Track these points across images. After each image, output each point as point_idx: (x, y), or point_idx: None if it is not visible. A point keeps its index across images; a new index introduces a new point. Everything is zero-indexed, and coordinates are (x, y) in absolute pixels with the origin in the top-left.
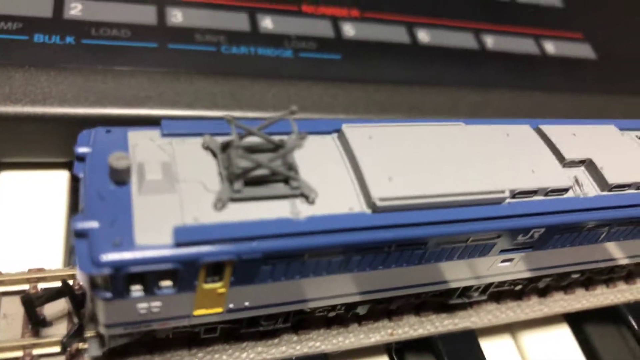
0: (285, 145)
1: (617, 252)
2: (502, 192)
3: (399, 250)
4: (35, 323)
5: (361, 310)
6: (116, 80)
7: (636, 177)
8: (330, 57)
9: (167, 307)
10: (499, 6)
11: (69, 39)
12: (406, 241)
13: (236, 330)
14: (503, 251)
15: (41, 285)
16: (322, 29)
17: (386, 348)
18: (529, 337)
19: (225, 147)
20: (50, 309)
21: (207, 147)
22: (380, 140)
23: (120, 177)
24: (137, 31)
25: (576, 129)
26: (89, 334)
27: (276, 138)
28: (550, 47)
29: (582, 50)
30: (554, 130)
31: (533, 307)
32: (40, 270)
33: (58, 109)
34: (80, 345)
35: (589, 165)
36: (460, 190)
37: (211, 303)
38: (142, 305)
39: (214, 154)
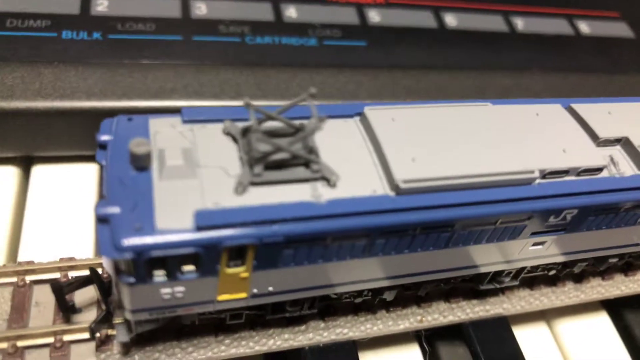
0: (305, 129)
1: None
2: (532, 172)
3: (425, 233)
4: (65, 310)
5: (388, 297)
6: (142, 73)
7: None
8: (355, 44)
9: (191, 292)
10: None
11: (96, 35)
12: (431, 224)
13: (262, 317)
14: (534, 234)
15: (72, 274)
16: (347, 16)
17: (416, 335)
18: (565, 325)
19: (246, 132)
20: (81, 297)
21: (227, 133)
22: (404, 122)
23: (141, 163)
24: (162, 24)
25: (611, 106)
26: (117, 320)
27: (297, 122)
28: (584, 27)
29: (619, 29)
30: (587, 109)
31: (569, 294)
32: (71, 259)
33: (86, 102)
34: (109, 331)
35: (625, 143)
36: (487, 170)
37: (235, 288)
38: (166, 290)
39: (235, 140)
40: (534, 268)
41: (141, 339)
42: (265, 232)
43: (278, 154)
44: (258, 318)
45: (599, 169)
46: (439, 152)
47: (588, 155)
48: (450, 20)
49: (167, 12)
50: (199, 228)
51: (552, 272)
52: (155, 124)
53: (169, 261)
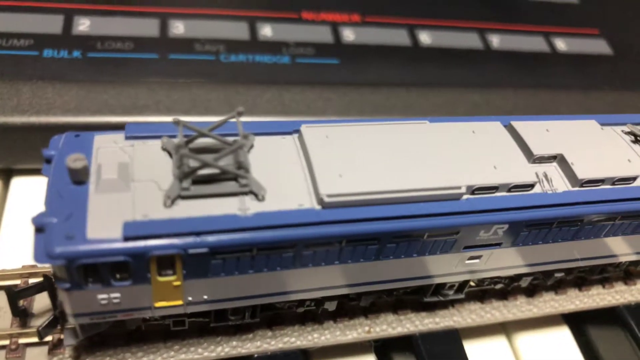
0: (233, 145)
1: (597, 249)
2: (459, 187)
3: (352, 246)
4: (17, 314)
5: (330, 307)
6: (117, 90)
7: (610, 172)
8: (328, 61)
9: (127, 299)
10: (509, 5)
11: (76, 53)
12: (355, 237)
13: (207, 324)
14: (467, 248)
15: (32, 280)
16: (321, 34)
17: (375, 346)
18: (525, 339)
19: (179, 148)
20: (42, 302)
21: (164, 149)
22: (337, 139)
23: (78, 177)
24: (140, 43)
25: (551, 124)
26: (68, 325)
27: (231, 139)
28: (561, 44)
29: (598, 46)
30: (525, 126)
31: (521, 308)
32: (33, 267)
33: (61, 118)
34: (61, 335)
35: (560, 160)
36: (414, 186)
37: (170, 296)
38: (102, 296)
39: (171, 155)
40: (481, 282)
41: (93, 344)
42: (190, 243)
43: (207, 169)
44: (205, 325)
45: (530, 185)
46: (367, 168)
47: (519, 171)
48: (425, 38)
49: (146, 31)
50: (126, 238)
51: (499, 286)
52: (100, 140)
53: (101, 268)
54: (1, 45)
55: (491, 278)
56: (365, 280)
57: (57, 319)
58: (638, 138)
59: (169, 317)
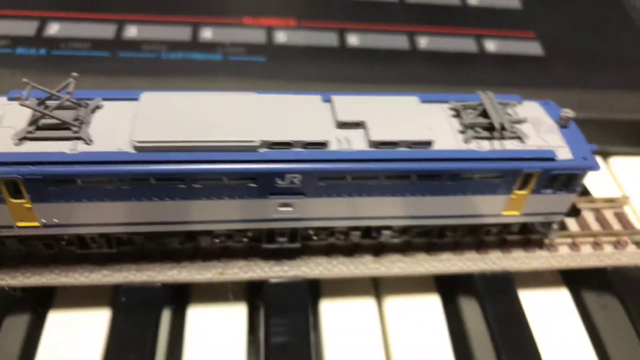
0: (83, 104)
1: (407, 209)
2: (253, 141)
3: (163, 184)
4: None
5: (170, 243)
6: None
7: (405, 136)
8: (255, 59)
9: None
10: (445, 10)
11: (42, 51)
12: (161, 175)
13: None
14: (273, 194)
15: None
16: (256, 36)
17: None
18: (394, 302)
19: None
20: None
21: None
22: (170, 103)
23: None
24: (97, 44)
25: (370, 98)
26: None
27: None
28: (494, 45)
29: (531, 48)
30: (342, 99)
31: (368, 265)
32: None
33: None
34: None
35: (363, 127)
36: (216, 138)
37: (26, 217)
38: None
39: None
40: (318, 232)
41: None
42: (24, 170)
43: (49, 120)
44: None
45: (323, 144)
46: (183, 124)
47: (318, 132)
48: (353, 40)
49: (103, 34)
50: None
51: (331, 240)
52: None
53: None
54: None
55: (314, 228)
56: (181, 219)
57: None
58: (458, 112)
59: (39, 240)
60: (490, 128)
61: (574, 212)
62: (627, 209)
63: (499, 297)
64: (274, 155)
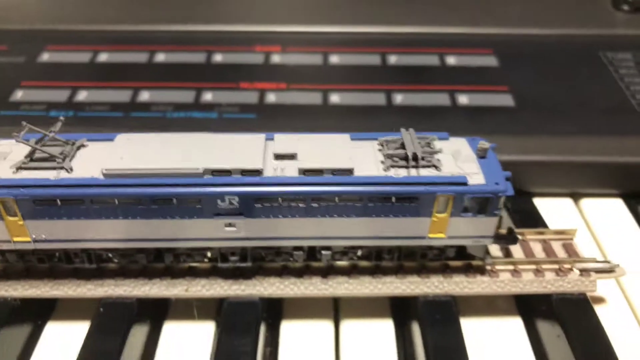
0: (70, 143)
1: (338, 230)
2: (197, 169)
3: (125, 205)
4: None
5: (141, 260)
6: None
7: (328, 165)
8: (246, 116)
9: None
10: (423, 70)
11: (71, 113)
12: (125, 197)
13: (63, 267)
14: (217, 215)
15: None
16: (249, 98)
17: None
18: (350, 325)
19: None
20: None
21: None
22: (137, 140)
23: None
24: (114, 106)
25: (307, 136)
26: None
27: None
28: (467, 99)
29: (504, 100)
30: (282, 136)
31: (317, 286)
32: None
33: None
34: None
35: (295, 158)
36: (168, 166)
37: (20, 233)
38: None
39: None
40: (267, 253)
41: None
42: (16, 192)
43: (41, 154)
44: (66, 268)
45: (257, 171)
46: (143, 157)
47: (253, 161)
48: (335, 98)
49: (121, 98)
50: None
51: (279, 261)
52: (2, 142)
53: None
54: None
55: (265, 249)
56: (141, 237)
57: None
58: (383, 145)
59: (33, 254)
60: (406, 158)
61: (511, 239)
62: (576, 241)
63: (438, 322)
64: (214, 180)
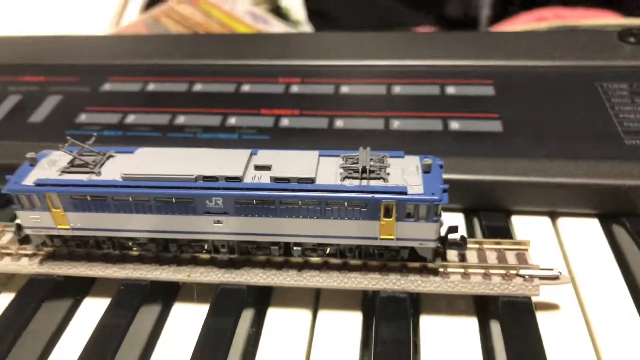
0: (102, 154)
1: (304, 229)
2: (192, 175)
3: (139, 202)
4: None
5: (153, 248)
6: None
7: (294, 174)
8: (261, 137)
9: (42, 220)
10: (429, 99)
11: (119, 133)
12: (137, 195)
13: (95, 252)
14: (207, 213)
15: None
16: (266, 122)
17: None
18: (325, 315)
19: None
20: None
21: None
22: (150, 152)
23: (32, 162)
24: (155, 127)
25: (283, 152)
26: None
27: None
28: (458, 124)
29: (493, 126)
30: (264, 152)
31: (294, 277)
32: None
33: None
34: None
35: (269, 168)
36: (171, 173)
37: (62, 222)
38: (32, 216)
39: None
40: (252, 247)
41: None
42: (59, 189)
43: (79, 162)
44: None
45: (238, 178)
46: (154, 165)
47: (233, 170)
48: (339, 123)
49: (161, 121)
50: (37, 184)
51: (261, 255)
52: (51, 153)
53: (22, 198)
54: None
55: (243, 241)
56: (151, 228)
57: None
58: (344, 160)
59: (73, 240)
60: (359, 171)
61: (461, 245)
62: (531, 252)
63: (392, 316)
64: (204, 185)
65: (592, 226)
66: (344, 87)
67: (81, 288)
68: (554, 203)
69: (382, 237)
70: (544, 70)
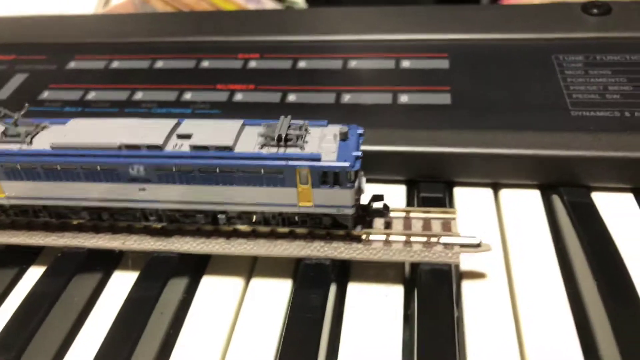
0: (35, 125)
1: (223, 197)
2: (115, 143)
3: (67, 171)
4: None
5: (86, 216)
6: None
7: (212, 142)
8: (213, 112)
9: None
10: (383, 73)
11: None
12: (64, 164)
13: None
14: (133, 181)
15: None
16: (221, 97)
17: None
18: (257, 283)
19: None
20: None
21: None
22: (81, 123)
23: None
24: (112, 103)
25: (206, 121)
26: None
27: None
28: (407, 97)
29: (442, 99)
30: (188, 121)
31: (222, 245)
32: None
33: None
34: None
35: (190, 137)
36: (94, 141)
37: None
38: None
39: None
40: (181, 215)
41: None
42: None
43: (12, 132)
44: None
45: (158, 146)
46: (82, 134)
47: (157, 139)
48: (292, 97)
49: (119, 97)
50: None
51: (188, 223)
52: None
53: None
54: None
55: (175, 211)
56: (78, 196)
57: None
58: (266, 128)
59: (12, 209)
60: (276, 139)
61: (382, 213)
62: (457, 221)
63: (311, 282)
64: (126, 153)
65: (533, 197)
66: (301, 62)
67: (27, 257)
68: (497, 174)
69: (300, 204)
70: (501, 44)
